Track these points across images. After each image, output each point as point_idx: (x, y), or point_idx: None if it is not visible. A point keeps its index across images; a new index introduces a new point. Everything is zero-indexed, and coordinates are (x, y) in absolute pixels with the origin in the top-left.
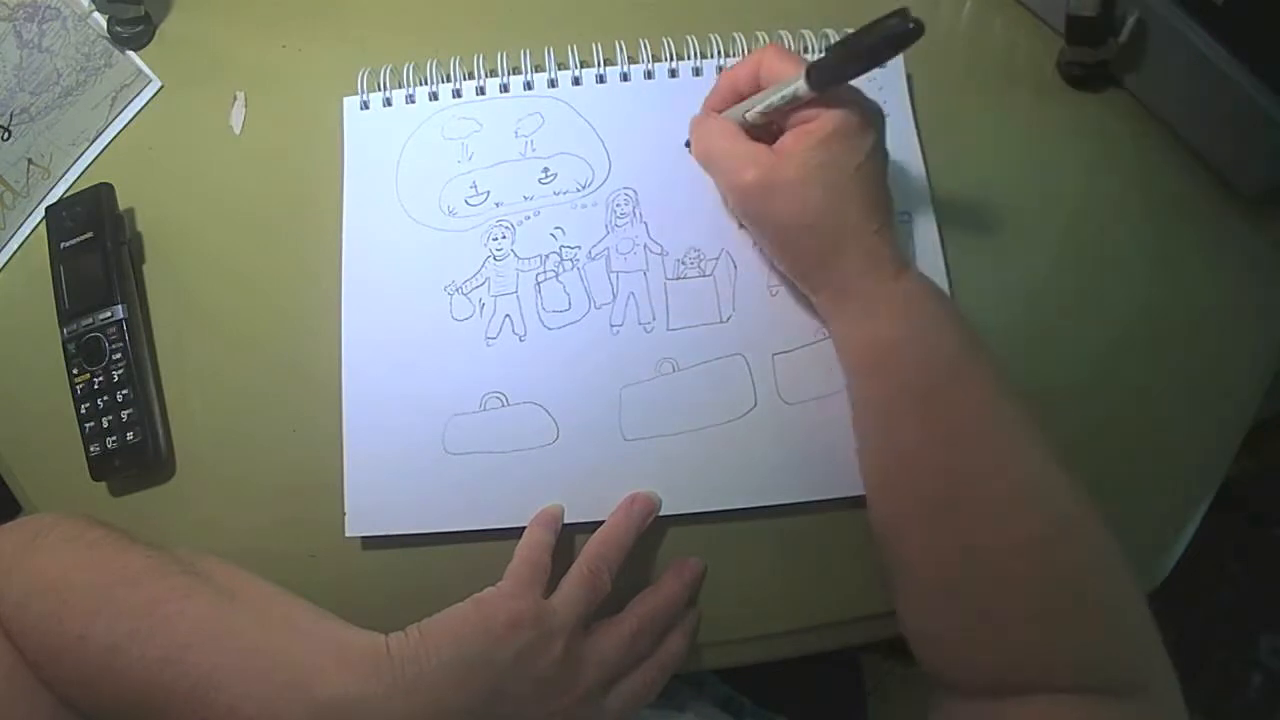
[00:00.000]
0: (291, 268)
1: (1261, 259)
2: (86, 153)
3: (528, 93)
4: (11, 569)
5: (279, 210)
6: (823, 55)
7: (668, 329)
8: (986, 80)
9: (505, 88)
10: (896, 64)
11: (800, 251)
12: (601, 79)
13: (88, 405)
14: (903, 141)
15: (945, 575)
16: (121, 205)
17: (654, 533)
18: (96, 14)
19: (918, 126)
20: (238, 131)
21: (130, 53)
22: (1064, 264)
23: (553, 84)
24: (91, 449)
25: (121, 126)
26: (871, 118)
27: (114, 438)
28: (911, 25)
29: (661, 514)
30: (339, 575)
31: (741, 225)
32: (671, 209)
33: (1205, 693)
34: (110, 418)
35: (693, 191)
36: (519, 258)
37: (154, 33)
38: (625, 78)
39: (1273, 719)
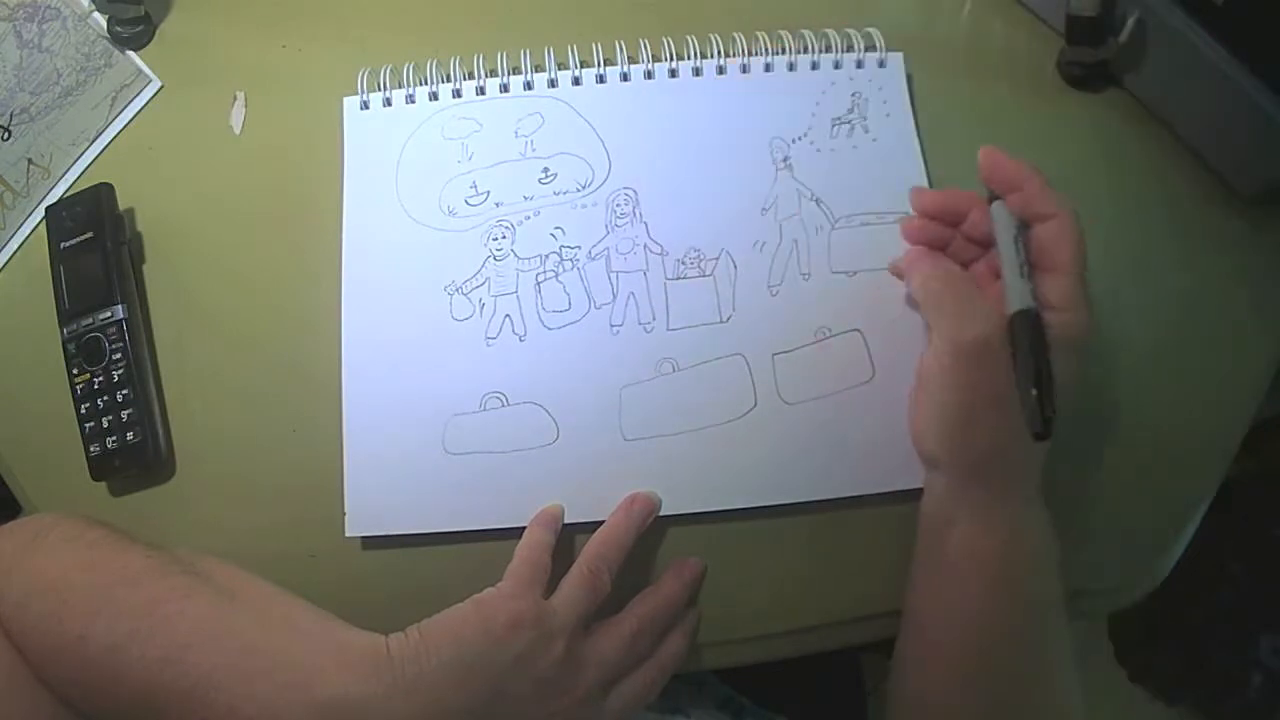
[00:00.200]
0: (291, 268)
1: (1261, 259)
2: (86, 153)
3: (528, 93)
4: (11, 569)
5: (279, 210)
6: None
7: (668, 329)
8: (986, 80)
9: (505, 88)
10: (896, 64)
11: (988, 429)
12: (601, 79)
13: (88, 405)
14: (903, 141)
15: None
16: (121, 205)
17: (654, 533)
18: (96, 14)
19: (918, 126)
20: (238, 131)
21: (130, 53)
22: None
23: (553, 84)
24: (91, 449)
25: (121, 126)
26: None
27: (114, 438)
28: (1038, 431)
29: (661, 514)
30: (339, 575)
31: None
32: (671, 209)
33: (1205, 693)
34: (110, 418)
35: (693, 191)
36: (519, 258)
37: (154, 33)
38: (625, 78)
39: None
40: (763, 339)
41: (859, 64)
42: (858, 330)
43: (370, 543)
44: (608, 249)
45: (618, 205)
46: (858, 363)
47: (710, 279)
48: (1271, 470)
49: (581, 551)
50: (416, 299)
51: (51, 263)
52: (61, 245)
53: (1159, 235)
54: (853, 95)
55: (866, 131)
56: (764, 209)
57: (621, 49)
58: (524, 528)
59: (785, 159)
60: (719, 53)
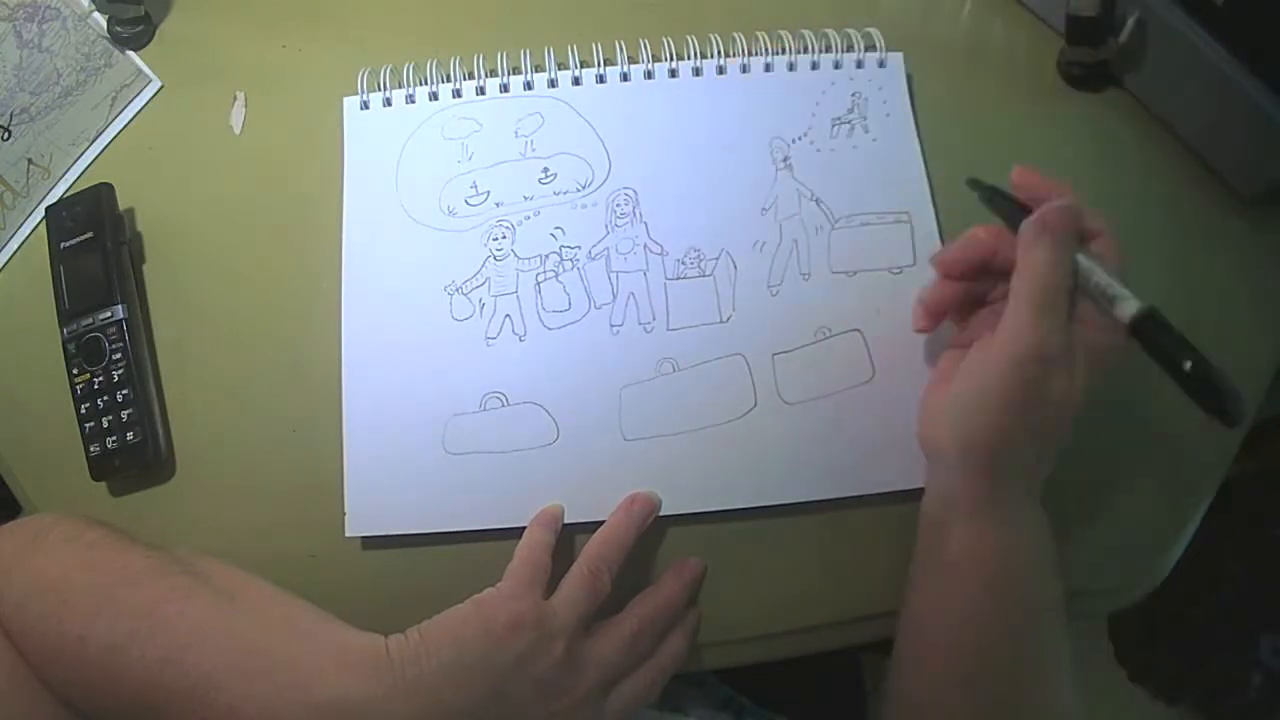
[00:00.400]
0: (291, 268)
1: (1261, 259)
2: (86, 153)
3: (528, 93)
4: (11, 569)
5: (279, 210)
6: (1164, 324)
7: (668, 329)
8: (986, 80)
9: (505, 88)
10: (896, 64)
11: (1026, 433)
12: (601, 79)
13: (88, 405)
14: (903, 141)
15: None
16: (121, 205)
17: (654, 533)
18: (96, 14)
19: (918, 126)
20: (238, 131)
21: (130, 53)
22: None
23: (553, 84)
24: (91, 449)
25: (121, 126)
26: None
27: (114, 438)
28: (1226, 417)
29: (661, 514)
30: (339, 575)
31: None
32: (671, 209)
33: (1205, 693)
34: (110, 418)
35: (693, 191)
36: (519, 258)
37: (154, 33)
38: (625, 78)
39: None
40: (763, 339)
41: (859, 64)
42: (858, 330)
43: (370, 543)
44: (608, 249)
45: (618, 205)
46: (858, 363)
47: (710, 279)
48: (1271, 470)
49: (581, 552)
50: (416, 299)
51: (51, 263)
52: (61, 245)
53: (1159, 235)
54: (853, 95)
55: (866, 131)
56: (764, 209)
57: (621, 49)
58: (524, 528)
59: (785, 159)
60: (719, 53)
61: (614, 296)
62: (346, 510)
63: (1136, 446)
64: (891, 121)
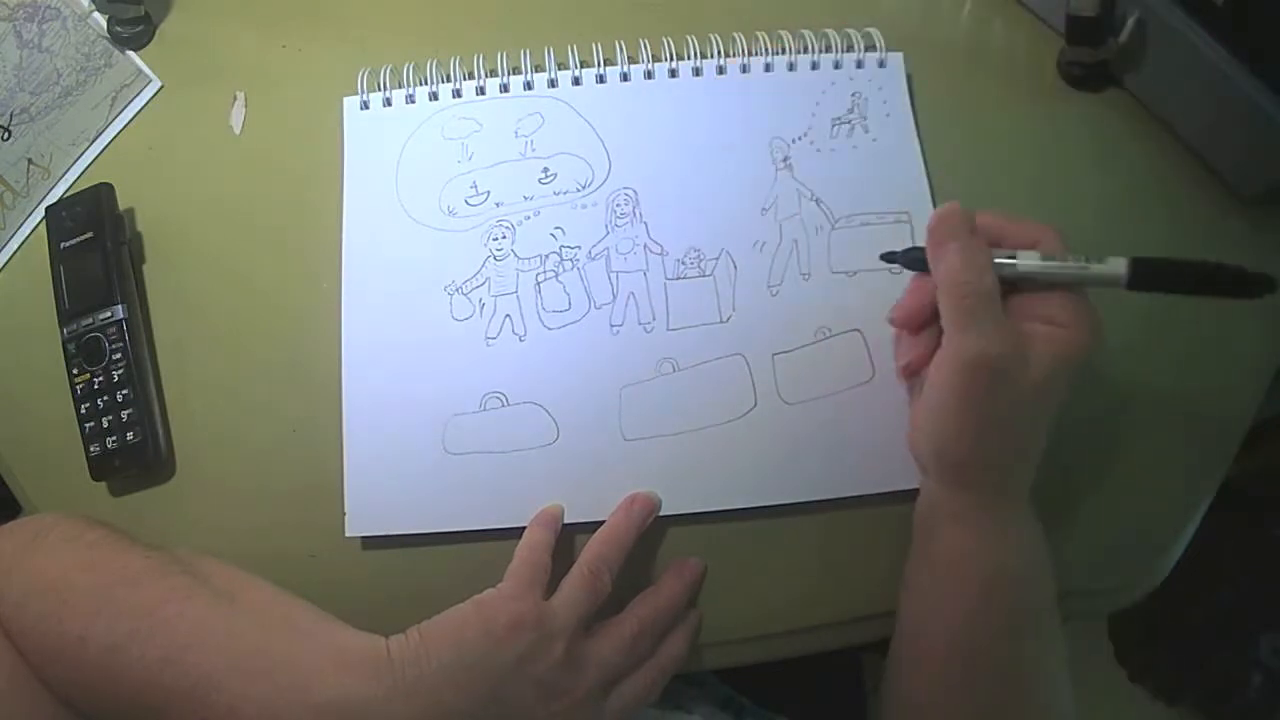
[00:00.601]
0: (291, 268)
1: (1261, 259)
2: (86, 153)
3: (528, 93)
4: (11, 569)
5: (279, 210)
6: (1152, 258)
7: (668, 329)
8: (986, 80)
9: (505, 88)
10: (896, 64)
11: (985, 450)
12: (601, 79)
13: (88, 405)
14: (903, 141)
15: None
16: (121, 205)
17: (654, 533)
18: (96, 14)
19: (918, 126)
20: (238, 131)
21: (130, 53)
22: None
23: (553, 84)
24: (91, 449)
25: (121, 126)
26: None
27: (114, 438)
28: (1263, 284)
29: (661, 514)
30: (339, 575)
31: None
32: (671, 209)
33: (1205, 693)
34: (110, 418)
35: (692, 191)
36: (519, 258)
37: (154, 33)
38: (625, 78)
39: (1273, 719)
40: (763, 339)
41: (859, 64)
42: (858, 330)
43: (370, 543)
44: (608, 249)
45: (618, 205)
46: (858, 363)
47: (710, 279)
48: (1271, 470)
49: (582, 552)
50: (416, 299)
51: (51, 263)
52: (61, 245)
53: (1159, 235)
54: (853, 95)
55: (866, 131)
56: (764, 209)
57: (621, 49)
58: (524, 528)
59: (785, 159)
60: (719, 53)
61: (614, 296)
62: (346, 510)
63: (1136, 447)
64: (891, 121)
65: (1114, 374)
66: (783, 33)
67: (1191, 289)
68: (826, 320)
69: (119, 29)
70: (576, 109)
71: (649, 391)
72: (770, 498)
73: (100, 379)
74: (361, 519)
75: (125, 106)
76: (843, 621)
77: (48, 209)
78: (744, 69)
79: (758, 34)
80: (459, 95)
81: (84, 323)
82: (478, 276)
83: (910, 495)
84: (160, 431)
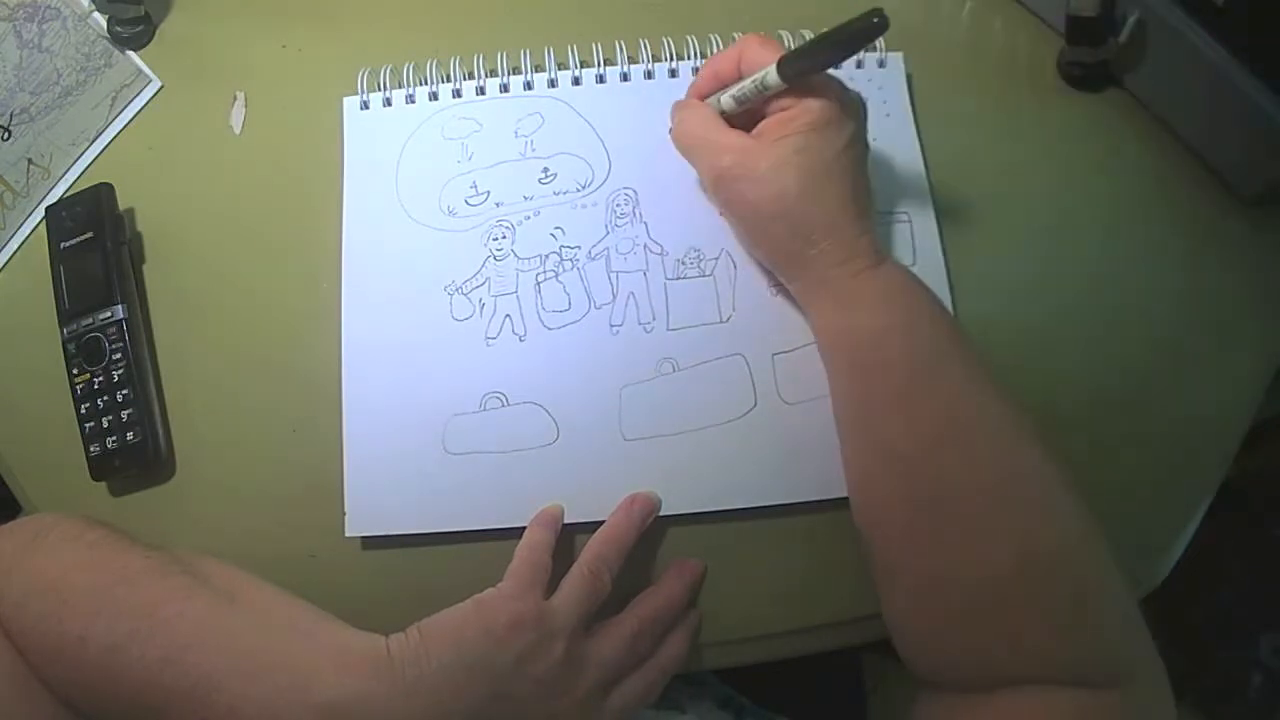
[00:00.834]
0: (291, 268)
1: (1261, 259)
2: (86, 153)
3: (528, 93)
4: (11, 569)
5: (279, 210)
6: (792, 52)
7: (668, 329)
8: (986, 80)
9: (505, 88)
10: (896, 64)
11: (774, 240)
12: (601, 79)
13: (88, 405)
14: (903, 141)
15: (928, 575)
16: (121, 205)
17: (654, 533)
18: (96, 14)
19: (918, 126)
20: (238, 131)
21: (130, 53)
22: (1064, 264)
23: (553, 84)
24: (91, 449)
25: (121, 126)
26: (851, 109)
27: (114, 438)
28: (876, 20)
29: (661, 514)
30: (339, 575)
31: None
32: (671, 209)
33: (1205, 693)
34: (110, 418)
35: (693, 191)
36: (519, 258)
37: (154, 33)
38: (625, 78)
39: (1273, 719)
40: (763, 339)
41: (859, 64)
42: None
43: (370, 543)
44: (608, 249)
45: (618, 205)
46: None
47: (710, 279)
48: (1271, 470)
49: (582, 552)
50: (416, 299)
51: (51, 263)
52: (61, 245)
53: (1159, 235)
54: None
55: (866, 131)
56: None
57: (621, 49)
58: (524, 528)
59: None
60: (703, 64)
61: (614, 296)
62: (346, 510)
63: (1136, 447)
64: (891, 121)
65: (1113, 374)
66: (782, 32)
67: (829, 57)
68: None
69: (119, 29)
70: (576, 109)
71: (649, 391)
72: (770, 498)
73: (100, 379)
74: (361, 519)
75: (125, 106)
76: (843, 621)
77: (48, 209)
78: None
79: None
80: (459, 95)
81: (84, 323)
82: (478, 276)
83: None
84: (160, 431)
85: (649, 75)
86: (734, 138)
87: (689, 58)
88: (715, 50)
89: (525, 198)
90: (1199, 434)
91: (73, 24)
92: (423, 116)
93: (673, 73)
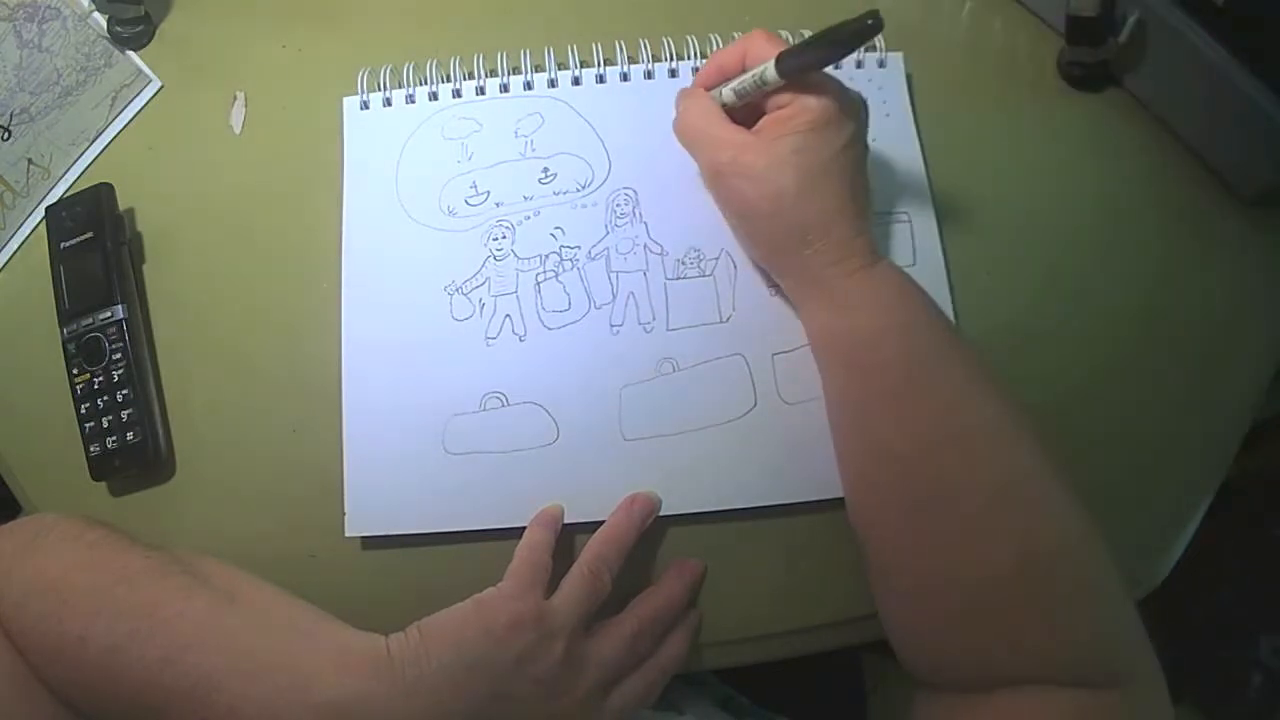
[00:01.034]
0: (291, 268)
1: (1261, 259)
2: (86, 153)
3: (528, 93)
4: (11, 569)
5: (279, 210)
6: (791, 49)
7: (668, 329)
8: (986, 80)
9: (505, 88)
10: (896, 64)
11: (769, 238)
12: (601, 79)
13: (88, 405)
14: (903, 141)
15: (926, 576)
16: (121, 205)
17: (654, 533)
18: (96, 14)
19: (918, 126)
20: (238, 131)
21: (130, 53)
22: (1064, 264)
23: (553, 84)
24: (91, 449)
25: (121, 126)
26: (850, 109)
27: (114, 438)
28: (871, 22)
29: (661, 514)
30: (339, 575)
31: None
32: (671, 209)
33: (1205, 693)
34: (110, 418)
35: (693, 191)
36: (519, 258)
37: (154, 33)
38: (625, 78)
39: (1273, 719)
40: (763, 339)
41: (859, 64)
42: None
43: (370, 543)
44: (608, 249)
45: (618, 205)
46: None
47: (710, 279)
48: (1271, 470)
49: (582, 552)
50: (416, 299)
51: (51, 263)
52: (61, 245)
53: (1159, 235)
54: None
55: (867, 132)
56: None
57: (621, 49)
58: (524, 528)
59: None
60: (709, 57)
61: (614, 296)
62: (346, 510)
63: (1136, 447)
64: (891, 121)
65: (1114, 374)
66: (783, 32)
67: (825, 55)
68: None
69: (119, 29)
70: (576, 109)
71: (649, 391)
72: (770, 498)
73: (100, 379)
74: (361, 519)
75: (125, 106)
76: (842, 621)
77: (48, 209)
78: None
79: None
80: (459, 95)
81: (84, 323)
82: (478, 276)
83: None
84: (160, 431)
85: (649, 75)
86: (733, 133)
87: (689, 58)
88: (715, 50)
89: (525, 198)
90: (1199, 434)
91: (73, 24)
92: (423, 116)
93: (673, 73)
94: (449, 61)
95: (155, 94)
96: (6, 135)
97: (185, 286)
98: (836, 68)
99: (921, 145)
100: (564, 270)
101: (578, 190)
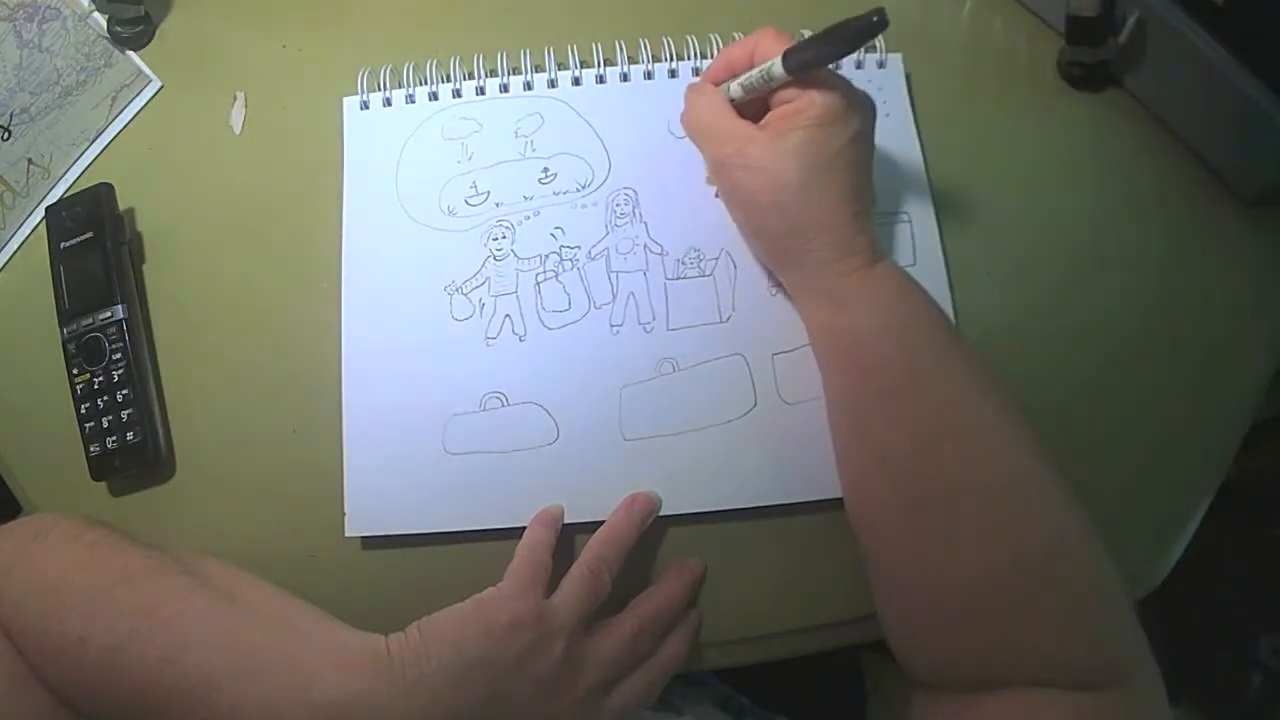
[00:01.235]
0: (291, 268)
1: (1261, 259)
2: (86, 153)
3: (528, 93)
4: (11, 569)
5: (279, 210)
6: (797, 45)
7: (668, 329)
8: (986, 80)
9: (505, 88)
10: (896, 64)
11: (770, 232)
12: (601, 79)
13: (88, 405)
14: (903, 141)
15: (924, 576)
16: (121, 205)
17: (654, 533)
18: (96, 14)
19: (918, 126)
20: (238, 131)
21: (130, 53)
22: (1063, 264)
23: (553, 84)
24: (91, 449)
25: (121, 126)
26: (857, 107)
27: (114, 438)
28: (876, 19)
29: (661, 514)
30: (339, 575)
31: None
32: (671, 209)
33: (1205, 693)
34: (110, 418)
35: (693, 191)
36: (519, 258)
37: (154, 33)
38: (625, 78)
39: (1273, 719)
40: (763, 339)
41: (858, 64)
42: None
43: (370, 543)
44: (608, 249)
45: (618, 205)
46: None
47: (710, 279)
48: (1271, 470)
49: (582, 551)
50: (416, 299)
51: (51, 263)
52: (61, 245)
53: (1159, 235)
54: None
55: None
56: None
57: (621, 49)
58: (524, 528)
59: None
60: (719, 53)
61: (614, 296)
62: (346, 510)
63: (1136, 447)
64: (891, 121)
65: (1113, 373)
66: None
67: (830, 52)
68: None
69: (119, 29)
70: (576, 109)
71: (649, 391)
72: (771, 498)
73: (100, 379)
74: (361, 519)
75: (125, 106)
76: (843, 621)
77: (48, 209)
78: None
79: None
80: (459, 95)
81: (84, 323)
82: (478, 276)
83: None
84: (160, 431)
85: (649, 75)
86: (740, 125)
87: (689, 58)
88: (716, 50)
89: (525, 198)
90: (1199, 434)
91: (73, 24)
92: (423, 116)
93: (673, 73)
94: (449, 61)
95: (155, 94)
96: (6, 135)
97: (185, 286)
98: (836, 68)
99: (921, 145)
100: (564, 270)
101: (578, 190)
